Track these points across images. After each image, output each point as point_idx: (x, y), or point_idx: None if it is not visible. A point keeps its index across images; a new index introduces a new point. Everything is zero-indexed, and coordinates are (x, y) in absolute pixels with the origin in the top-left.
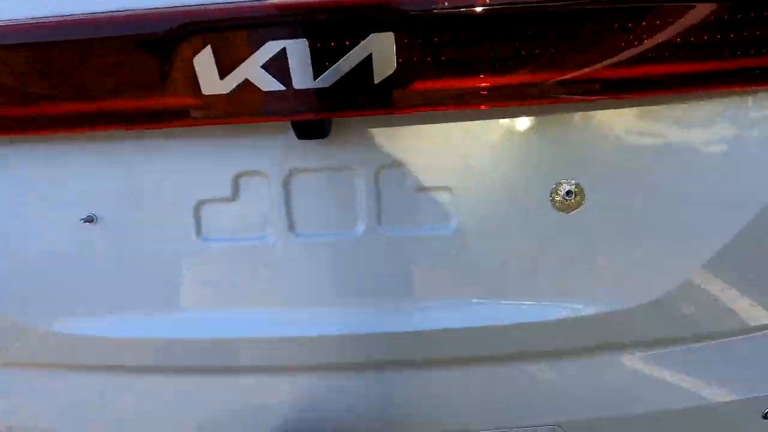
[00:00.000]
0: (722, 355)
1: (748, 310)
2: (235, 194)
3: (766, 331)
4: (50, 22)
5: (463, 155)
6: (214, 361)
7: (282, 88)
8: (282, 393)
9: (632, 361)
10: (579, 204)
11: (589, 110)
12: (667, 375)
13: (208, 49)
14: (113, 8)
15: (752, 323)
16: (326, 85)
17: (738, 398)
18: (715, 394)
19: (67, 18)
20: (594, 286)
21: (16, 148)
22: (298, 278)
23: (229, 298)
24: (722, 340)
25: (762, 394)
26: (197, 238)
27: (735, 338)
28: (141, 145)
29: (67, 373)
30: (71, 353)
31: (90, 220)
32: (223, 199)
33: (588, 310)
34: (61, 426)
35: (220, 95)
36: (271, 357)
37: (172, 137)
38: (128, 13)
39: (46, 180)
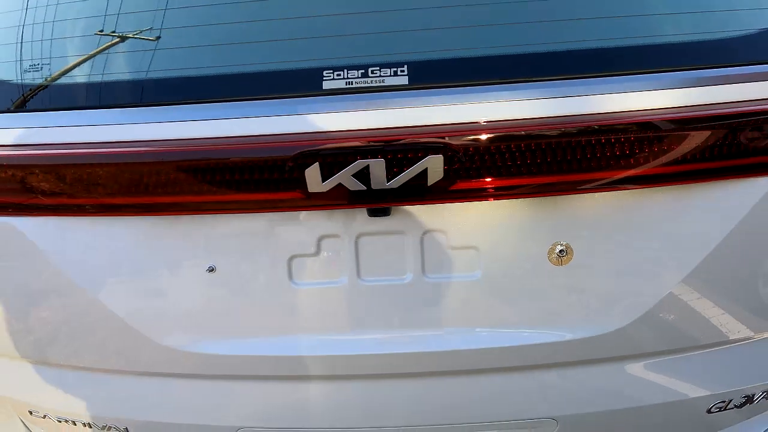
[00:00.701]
0: (676, 365)
1: (691, 334)
2: (318, 251)
3: (704, 350)
4: (227, 144)
5: (485, 225)
6: (299, 372)
7: (364, 188)
8: (346, 395)
9: (605, 370)
10: (569, 259)
11: (573, 197)
12: (634, 380)
13: (316, 165)
14: (265, 133)
15: (694, 344)
16: (395, 187)
17: (688, 397)
18: (671, 394)
19: (239, 141)
20: (576, 318)
21: (176, 226)
22: (363, 312)
23: (312, 327)
24: (676, 355)
25: (704, 395)
26: (290, 283)
27: (685, 354)
28: (253, 218)
29: (189, 381)
30: (195, 366)
31: (211, 269)
32: (309, 254)
33: (570, 336)
34: (181, 418)
35: (320, 192)
36: (340, 369)
37: (276, 213)
38: (273, 139)
39: (188, 243)
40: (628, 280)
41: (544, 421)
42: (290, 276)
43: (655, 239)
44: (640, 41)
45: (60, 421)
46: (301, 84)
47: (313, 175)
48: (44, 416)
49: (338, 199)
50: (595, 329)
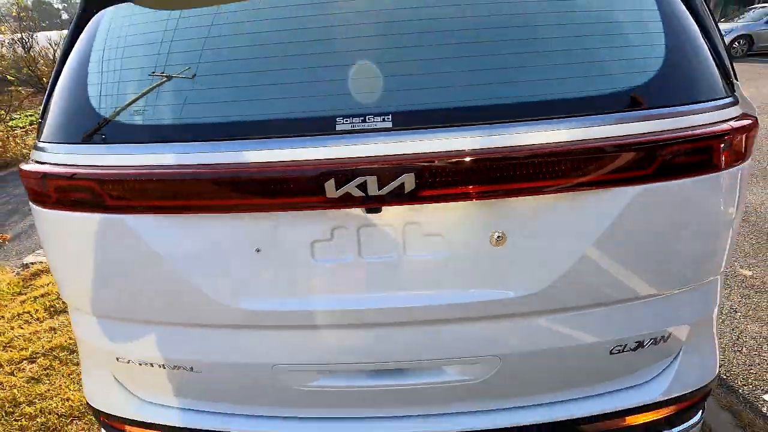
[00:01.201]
0: (584, 318)
1: (590, 295)
2: (331, 237)
3: (602, 307)
4: (276, 166)
5: (447, 219)
6: (318, 321)
7: (363, 195)
8: (351, 338)
9: (535, 321)
10: (504, 242)
11: (504, 201)
12: (556, 329)
13: (332, 180)
14: (300, 159)
15: (594, 302)
16: (384, 194)
17: (595, 341)
18: (582, 338)
19: (284, 164)
20: (511, 281)
21: (237, 222)
22: (364, 280)
23: (328, 290)
24: (583, 310)
25: (606, 339)
26: (313, 260)
27: (590, 309)
28: (287, 216)
29: (238, 330)
30: (245, 319)
31: (258, 250)
32: (325, 240)
33: (507, 295)
34: (230, 359)
35: (334, 198)
36: (347, 319)
37: (304, 213)
38: (305, 163)
39: (243, 233)
40: (544, 256)
41: (490, 358)
42: (312, 255)
43: (560, 229)
44: (534, 98)
45: (140, 364)
46: (323, 127)
47: (329, 186)
48: (128, 361)
49: (346, 202)
50: (525, 290)
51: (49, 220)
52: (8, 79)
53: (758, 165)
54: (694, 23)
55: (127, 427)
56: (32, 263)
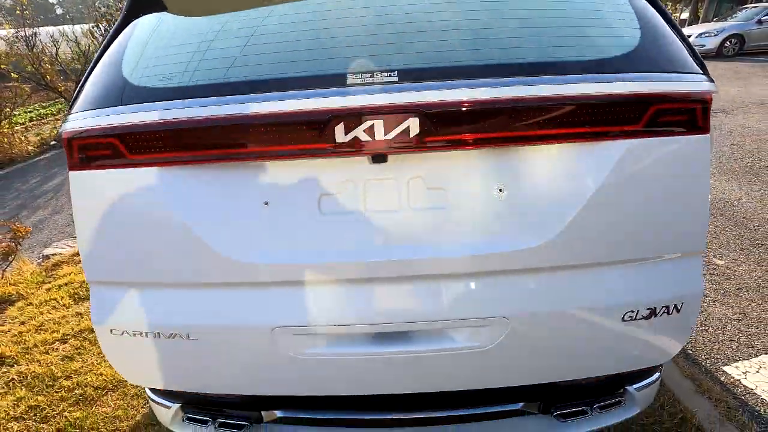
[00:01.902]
0: (596, 278)
1: (595, 251)
2: (339, 191)
3: (612, 267)
4: (296, 111)
5: (449, 173)
6: (323, 274)
7: (370, 139)
8: (356, 296)
9: (545, 280)
10: (506, 195)
11: (507, 153)
12: (567, 289)
13: (342, 124)
14: (315, 107)
15: (600, 260)
16: (390, 138)
17: (607, 304)
18: (594, 301)
19: (304, 111)
20: (514, 233)
21: (246, 174)
22: (370, 233)
23: (334, 243)
24: (593, 269)
25: (618, 303)
26: (320, 213)
27: (599, 269)
28: (296, 168)
29: (236, 289)
30: (250, 273)
31: (266, 203)
32: (332, 194)
33: (511, 247)
34: (227, 319)
35: (343, 142)
36: (353, 273)
37: (310, 162)
38: (318, 110)
39: (252, 186)
40: (546, 209)
41: (498, 319)
42: (319, 208)
43: (561, 181)
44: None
45: (134, 335)
46: (334, 82)
47: (339, 130)
48: (122, 333)
49: (354, 148)
50: (528, 243)
51: (85, 181)
52: (12, 76)
53: (740, 162)
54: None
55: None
56: (52, 254)
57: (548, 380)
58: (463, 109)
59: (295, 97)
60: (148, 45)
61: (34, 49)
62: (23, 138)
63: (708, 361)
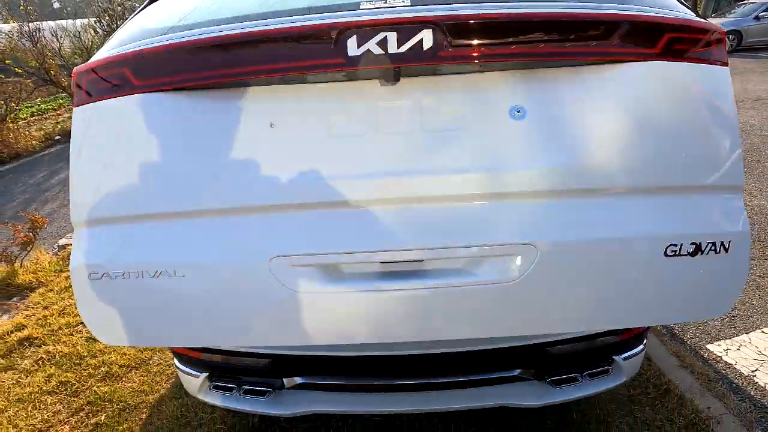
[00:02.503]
0: (634, 205)
1: (623, 174)
2: (350, 115)
3: (649, 195)
4: (313, 25)
5: (465, 96)
6: (326, 197)
7: (383, 52)
8: (364, 221)
9: (573, 205)
10: (523, 116)
11: (524, 75)
12: (601, 214)
13: (354, 36)
14: (330, 22)
15: (632, 184)
16: (403, 51)
17: (647, 234)
18: (632, 230)
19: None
20: (533, 155)
21: (254, 97)
22: (382, 153)
23: (342, 163)
24: (630, 196)
25: (659, 233)
26: (328, 136)
27: (637, 196)
28: (302, 92)
29: (234, 216)
30: (252, 196)
31: (272, 125)
32: (342, 117)
33: (532, 167)
34: (222, 250)
35: (357, 55)
36: (357, 194)
37: (318, 82)
38: (325, 23)
39: (260, 108)
40: (567, 130)
41: (524, 247)
42: (328, 130)
43: (580, 103)
44: None
45: (116, 277)
46: (349, 7)
47: (352, 43)
48: (102, 276)
49: (367, 62)
50: (549, 163)
51: (91, 113)
52: (16, 71)
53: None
54: None
55: (203, 354)
56: (67, 245)
57: (581, 329)
58: (478, 23)
59: (307, 18)
60: (164, 8)
61: (38, 45)
62: (27, 133)
63: (693, 340)
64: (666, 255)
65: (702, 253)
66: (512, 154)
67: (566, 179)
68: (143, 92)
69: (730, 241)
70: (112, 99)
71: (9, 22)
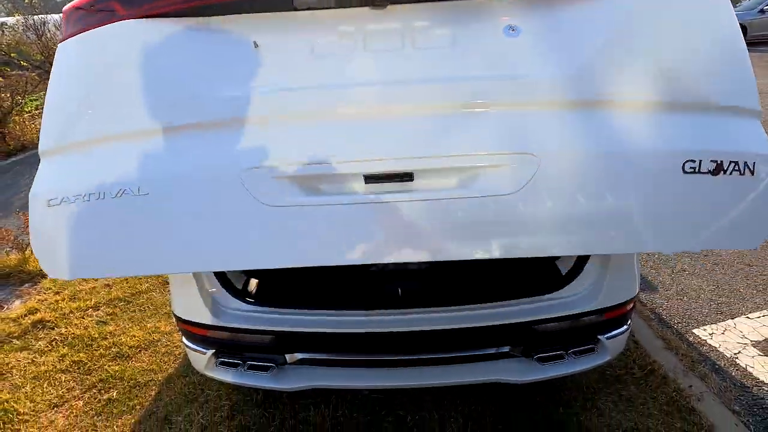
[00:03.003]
0: (647, 121)
1: (626, 84)
2: (338, 39)
3: (664, 111)
4: None
5: (454, 18)
6: (316, 107)
7: None
8: (351, 128)
9: (580, 116)
10: (516, 32)
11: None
12: (610, 127)
13: None
14: None
15: (650, 98)
16: None
17: (661, 149)
18: (643, 144)
19: None
20: (528, 66)
21: (236, 25)
22: (371, 66)
23: (326, 76)
24: (638, 112)
25: (676, 149)
26: (311, 56)
27: (646, 112)
28: (289, 15)
29: (206, 129)
30: (227, 109)
31: (256, 44)
32: (330, 41)
33: (528, 76)
34: (191, 164)
35: None
36: (339, 103)
37: (307, 9)
38: None
39: (244, 29)
40: (561, 45)
41: (523, 156)
42: (312, 52)
43: (577, 17)
44: None
45: (75, 200)
46: None
47: None
48: (61, 200)
49: None
50: (543, 74)
51: (76, 45)
52: (22, 64)
53: None
54: None
55: (209, 332)
56: None
57: (585, 251)
58: None
59: None
60: None
61: (43, 38)
62: (33, 126)
63: (680, 324)
64: (684, 171)
65: (724, 173)
66: (506, 63)
67: (567, 90)
68: (127, 19)
69: (754, 163)
70: (99, 28)
71: (14, 15)
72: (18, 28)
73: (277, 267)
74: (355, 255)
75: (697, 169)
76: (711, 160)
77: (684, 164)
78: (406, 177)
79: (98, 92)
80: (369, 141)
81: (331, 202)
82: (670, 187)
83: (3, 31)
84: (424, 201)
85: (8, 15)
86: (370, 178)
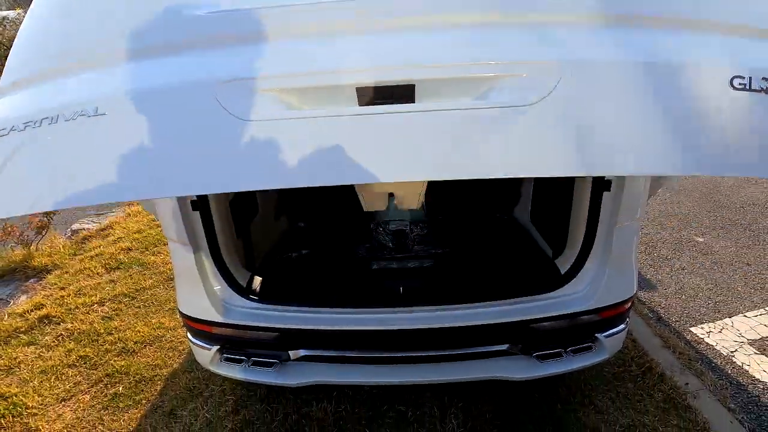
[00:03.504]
0: (693, 36)
1: None
2: None
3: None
4: None
5: None
6: (295, 17)
7: None
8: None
9: (612, 28)
10: None
11: None
12: (638, 38)
13: None
14: None
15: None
16: None
17: (700, 59)
18: (674, 52)
19: None
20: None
21: None
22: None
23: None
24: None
25: (724, 65)
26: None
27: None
28: None
29: (178, 50)
30: (206, 26)
31: None
32: None
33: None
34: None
35: None
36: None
37: None
38: None
39: None
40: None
41: (543, 64)
42: None
43: None
44: None
45: (25, 127)
46: None
47: None
48: (9, 131)
49: None
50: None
51: None
52: None
53: None
54: None
55: (214, 329)
56: (80, 229)
57: (610, 171)
58: None
59: None
60: None
61: None
62: None
63: (677, 323)
64: (733, 86)
65: None
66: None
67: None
68: None
69: None
70: None
71: (15, 9)
72: (19, 22)
73: (254, 189)
74: (347, 175)
75: (747, 86)
76: (762, 77)
77: (732, 79)
78: (406, 92)
79: (63, 18)
80: (363, 51)
81: (316, 115)
82: (714, 102)
83: (5, 26)
84: (427, 112)
85: (9, 9)
86: (363, 91)
